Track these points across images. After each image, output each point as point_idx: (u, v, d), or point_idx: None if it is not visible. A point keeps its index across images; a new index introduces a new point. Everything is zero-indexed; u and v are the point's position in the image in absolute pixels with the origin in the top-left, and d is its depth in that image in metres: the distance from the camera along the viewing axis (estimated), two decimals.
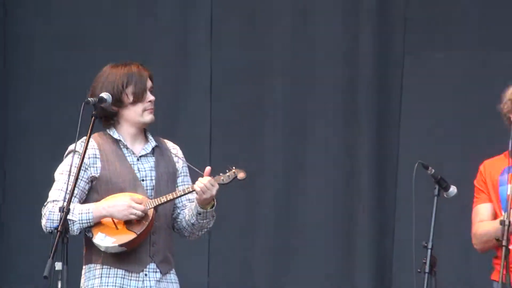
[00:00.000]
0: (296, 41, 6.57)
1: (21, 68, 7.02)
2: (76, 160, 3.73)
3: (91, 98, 3.76)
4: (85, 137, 3.77)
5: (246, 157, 6.42)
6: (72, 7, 6.90)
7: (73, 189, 3.64)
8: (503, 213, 4.17)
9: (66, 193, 3.69)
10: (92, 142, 3.83)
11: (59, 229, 3.49)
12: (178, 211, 4.01)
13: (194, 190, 3.84)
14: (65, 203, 3.55)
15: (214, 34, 6.56)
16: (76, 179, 3.65)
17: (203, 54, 6.57)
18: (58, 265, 3.46)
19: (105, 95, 3.76)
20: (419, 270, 4.08)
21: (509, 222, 4.05)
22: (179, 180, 4.02)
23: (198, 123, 6.59)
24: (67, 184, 3.66)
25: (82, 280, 3.86)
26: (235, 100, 6.59)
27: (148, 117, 3.90)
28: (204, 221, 3.91)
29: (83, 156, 3.67)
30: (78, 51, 6.61)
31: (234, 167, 3.92)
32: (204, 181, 3.76)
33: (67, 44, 6.78)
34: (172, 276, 3.94)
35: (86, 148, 3.69)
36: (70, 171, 3.64)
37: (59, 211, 3.56)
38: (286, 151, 6.53)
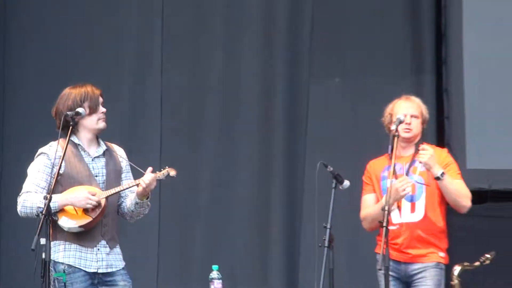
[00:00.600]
0: (227, 70, 7.36)
1: (16, 69, 7.55)
2: (46, 161, 4.59)
3: (69, 112, 4.55)
4: (52, 142, 4.62)
5: (188, 161, 7.25)
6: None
7: (54, 184, 4.41)
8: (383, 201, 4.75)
9: (41, 187, 4.55)
10: (58, 146, 4.57)
11: (43, 212, 4.22)
12: (122, 200, 4.79)
13: (137, 184, 4.60)
14: (48, 194, 4.31)
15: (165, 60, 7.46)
16: (57, 176, 4.44)
17: (155, 78, 7.42)
18: (43, 241, 4.26)
19: (80, 109, 4.57)
20: (320, 245, 4.66)
21: (388, 208, 4.61)
22: (123, 175, 4.83)
23: (150, 134, 7.46)
24: (50, 178, 4.48)
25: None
26: (181, 116, 7.46)
27: (101, 125, 4.70)
28: (141, 209, 4.73)
29: (63, 157, 4.47)
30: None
31: (167, 166, 4.71)
32: (149, 177, 4.57)
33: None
34: (118, 249, 4.75)
35: (65, 151, 4.49)
36: (52, 168, 4.54)
37: (44, 199, 4.29)
38: (219, 159, 7.35)
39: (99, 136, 4.79)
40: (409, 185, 4.94)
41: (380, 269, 4.72)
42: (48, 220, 4.28)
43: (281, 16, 7.36)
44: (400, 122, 4.92)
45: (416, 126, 5.09)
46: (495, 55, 7.32)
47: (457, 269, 5.16)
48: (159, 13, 7.48)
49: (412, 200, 5.06)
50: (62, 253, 4.59)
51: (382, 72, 7.18)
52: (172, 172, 4.72)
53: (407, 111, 5.07)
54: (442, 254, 5.08)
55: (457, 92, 7.24)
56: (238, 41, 7.39)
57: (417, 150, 5.04)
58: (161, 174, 4.67)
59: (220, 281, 4.79)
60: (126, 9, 7.54)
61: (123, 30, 7.54)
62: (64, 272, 4.54)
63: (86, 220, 4.58)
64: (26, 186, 4.63)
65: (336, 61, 7.30)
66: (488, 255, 5.17)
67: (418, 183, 5.04)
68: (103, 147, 4.77)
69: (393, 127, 4.86)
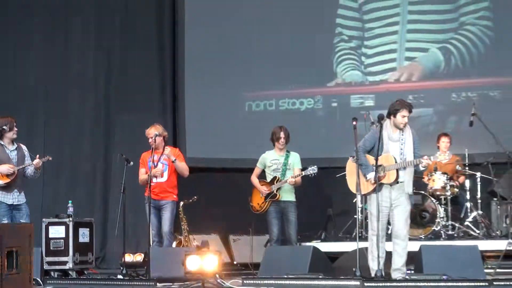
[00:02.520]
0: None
1: None
2: None
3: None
4: None
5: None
6: None
7: None
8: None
9: None
10: None
11: None
12: (26, 170, 9.63)
13: (33, 164, 9.56)
14: None
15: None
16: None
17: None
18: None
19: (5, 127, 9.58)
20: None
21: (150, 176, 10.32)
22: (26, 159, 9.73)
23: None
24: None
25: None
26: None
27: (15, 135, 9.70)
28: (36, 174, 9.78)
29: None
30: None
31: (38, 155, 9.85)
32: (37, 161, 9.55)
33: None
34: (23, 194, 9.64)
35: None
36: None
37: None
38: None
39: (14, 140, 9.80)
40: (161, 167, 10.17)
41: (146, 203, 9.88)
42: None
43: None
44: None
45: (159, 140, 10.19)
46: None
47: (181, 203, 10.69)
48: None
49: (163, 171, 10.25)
50: None
51: None
52: (48, 158, 9.82)
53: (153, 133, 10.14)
54: (175, 196, 10.32)
55: (183, 114, 13.01)
56: None
57: (164, 149, 10.27)
58: (43, 159, 9.74)
59: None
60: None
61: None
62: None
63: (7, 180, 9.50)
64: None
65: None
66: (194, 197, 10.76)
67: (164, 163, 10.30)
68: (15, 145, 9.77)
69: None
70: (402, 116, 8.62)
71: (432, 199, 11.09)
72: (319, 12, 13.41)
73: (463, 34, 12.71)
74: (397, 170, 8.58)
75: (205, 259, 8.65)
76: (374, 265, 8.52)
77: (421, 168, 8.66)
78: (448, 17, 12.78)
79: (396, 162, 8.60)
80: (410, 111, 8.62)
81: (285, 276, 8.42)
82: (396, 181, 8.59)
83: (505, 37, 12.49)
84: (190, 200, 11.01)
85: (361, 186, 8.68)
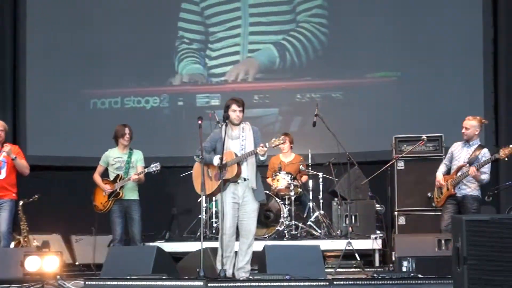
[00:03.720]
0: None
1: None
2: None
3: None
4: None
5: None
6: None
7: None
8: None
9: None
10: None
11: None
12: None
13: None
14: None
15: None
16: None
17: None
18: None
19: None
20: None
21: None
22: None
23: None
24: None
25: None
26: None
27: None
28: None
29: None
30: None
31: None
32: None
33: None
34: None
35: None
36: None
37: None
38: None
39: None
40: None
41: None
42: None
43: None
44: None
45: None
46: None
47: (20, 203, 10.37)
48: None
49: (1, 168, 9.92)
50: None
51: None
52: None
53: None
54: (14, 195, 9.93)
55: (23, 111, 12.89)
56: None
57: (3, 146, 10.03)
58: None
59: None
60: None
61: None
62: None
63: None
64: None
65: None
66: (35, 196, 10.46)
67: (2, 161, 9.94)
68: None
69: None
70: (233, 111, 8.70)
71: (276, 199, 11.22)
72: (162, 13, 13.47)
73: (298, 31, 13.03)
74: (239, 165, 8.62)
75: (45, 259, 8.45)
76: (220, 265, 8.51)
77: (261, 158, 8.68)
78: (287, 18, 13.15)
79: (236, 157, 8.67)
80: (240, 105, 8.70)
81: (128, 277, 8.32)
82: (239, 177, 8.64)
83: (340, 35, 12.93)
84: (31, 199, 10.69)
85: (206, 186, 8.67)
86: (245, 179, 8.68)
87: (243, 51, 13.14)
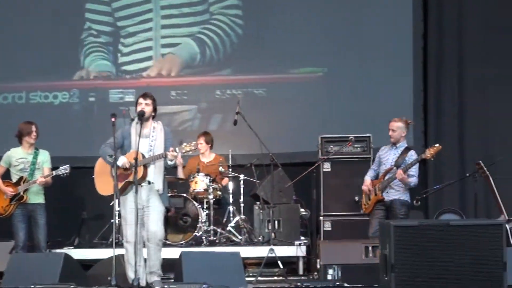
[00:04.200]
0: None
1: None
2: None
3: None
4: None
5: None
6: None
7: None
8: None
9: None
10: None
11: None
12: None
13: None
14: None
15: None
16: None
17: None
18: None
19: None
20: None
21: None
22: None
23: None
24: None
25: None
26: None
27: None
28: None
29: None
30: None
31: None
32: None
33: None
34: None
35: None
36: None
37: None
38: None
39: None
40: None
41: None
42: None
43: None
44: None
45: None
46: None
47: None
48: None
49: None
50: None
51: None
52: None
53: None
54: None
55: None
56: None
57: None
58: None
59: None
60: None
61: None
62: None
63: None
64: None
65: None
66: None
67: None
68: None
69: None
70: (139, 104, 8.70)
71: (194, 202, 11.17)
72: (67, 4, 13.30)
73: (214, 23, 13.03)
74: (145, 167, 8.57)
75: None
76: (131, 274, 8.45)
77: (169, 163, 8.65)
78: (200, 9, 13.07)
79: (144, 158, 8.61)
80: (147, 98, 8.71)
81: (33, 286, 8.24)
82: (144, 180, 8.60)
83: (260, 28, 12.92)
84: None
85: (106, 186, 8.65)
86: (149, 182, 8.65)
87: (155, 46, 13.03)
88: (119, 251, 8.72)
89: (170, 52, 13.11)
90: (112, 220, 10.97)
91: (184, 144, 8.60)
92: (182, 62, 13.10)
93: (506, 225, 9.18)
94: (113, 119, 8.64)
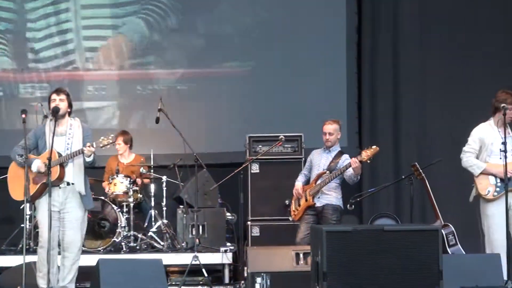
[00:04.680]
0: None
1: None
2: None
3: None
4: None
5: None
6: None
7: None
8: None
9: None
10: None
11: None
12: None
13: None
14: None
15: None
16: None
17: None
18: None
19: None
20: None
21: None
22: None
23: None
24: None
25: None
26: None
27: None
28: None
29: None
30: None
31: None
32: None
33: None
34: None
35: None
36: None
37: None
38: None
39: None
40: None
41: None
42: None
43: None
44: None
45: None
46: None
47: None
48: None
49: None
50: None
51: None
52: None
53: None
54: None
55: None
56: None
57: None
58: None
59: None
60: None
61: None
62: None
63: None
64: None
65: None
66: None
67: None
68: None
69: None
70: (53, 100, 8.64)
71: (113, 206, 11.08)
72: None
73: (140, 16, 12.90)
74: (62, 167, 8.49)
75: None
76: (43, 283, 8.36)
77: (87, 159, 8.55)
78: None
79: (59, 156, 8.51)
80: (60, 94, 8.64)
81: None
82: (62, 180, 8.52)
83: (178, 18, 12.84)
84: None
85: (21, 190, 8.49)
86: (68, 183, 8.56)
87: (76, 28, 12.81)
88: (30, 258, 8.62)
89: (90, 45, 12.92)
90: (22, 225, 10.78)
91: (102, 138, 8.54)
92: (103, 55, 12.93)
93: (442, 231, 9.40)
94: (23, 116, 8.54)
